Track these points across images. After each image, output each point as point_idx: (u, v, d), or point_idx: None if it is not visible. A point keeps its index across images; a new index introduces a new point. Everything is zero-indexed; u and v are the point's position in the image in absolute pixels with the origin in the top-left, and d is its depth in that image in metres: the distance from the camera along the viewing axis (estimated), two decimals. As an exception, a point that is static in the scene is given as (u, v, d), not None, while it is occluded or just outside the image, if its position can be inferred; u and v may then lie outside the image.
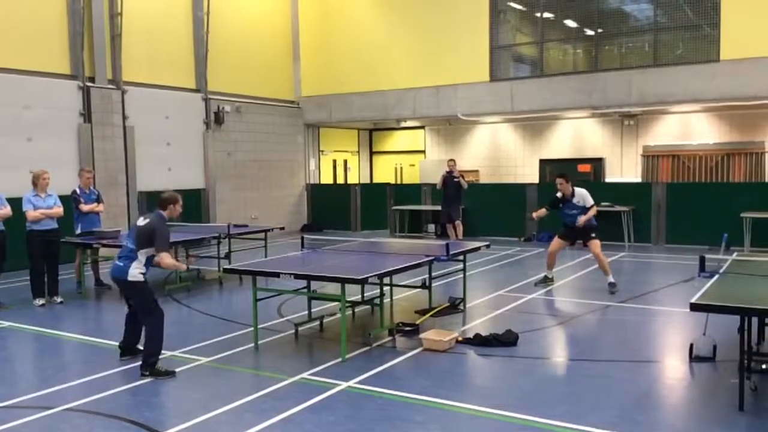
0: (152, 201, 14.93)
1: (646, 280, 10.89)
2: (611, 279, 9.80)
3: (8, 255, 9.14)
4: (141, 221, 6.36)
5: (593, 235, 9.94)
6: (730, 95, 14.95)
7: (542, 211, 10.38)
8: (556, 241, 10.35)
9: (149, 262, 6.28)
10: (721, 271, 6.29)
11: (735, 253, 7.83)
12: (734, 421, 4.96)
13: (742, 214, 13.18)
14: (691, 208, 14.44)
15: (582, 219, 9.82)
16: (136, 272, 6.18)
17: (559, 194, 10.05)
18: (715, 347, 6.38)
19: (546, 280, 10.36)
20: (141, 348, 6.40)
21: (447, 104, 18.20)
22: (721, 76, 14.74)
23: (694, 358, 6.38)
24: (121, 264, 6.25)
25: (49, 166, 10.25)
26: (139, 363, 6.20)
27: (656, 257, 13.42)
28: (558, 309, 9.02)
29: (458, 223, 14.71)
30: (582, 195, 9.92)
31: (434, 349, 6.79)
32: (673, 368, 6.36)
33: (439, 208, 15.56)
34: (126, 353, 6.63)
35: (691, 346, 6.48)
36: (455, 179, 14.71)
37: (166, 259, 6.19)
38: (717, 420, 5.02)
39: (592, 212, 9.89)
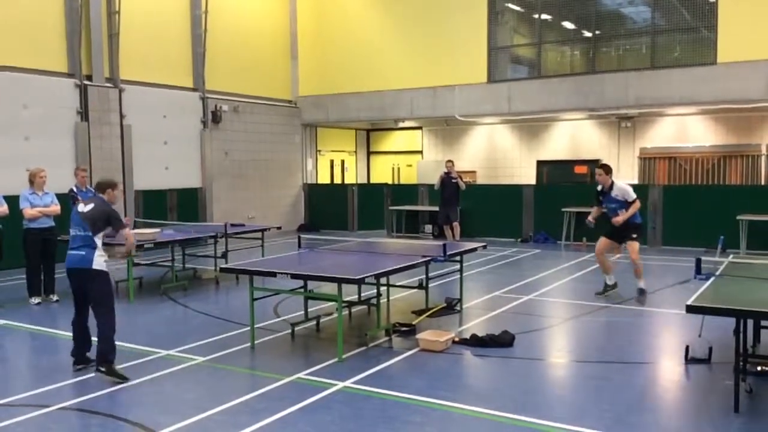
0: (149, 200, 15.14)
1: (642, 282, 10.89)
2: (642, 285, 9.29)
3: (4, 253, 9.12)
4: (85, 207, 6.18)
5: (634, 236, 9.17)
6: (726, 98, 14.98)
7: (596, 211, 9.55)
8: (601, 241, 9.45)
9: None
10: (717, 273, 6.30)
11: (731, 256, 7.84)
12: (729, 423, 4.97)
13: (739, 217, 13.21)
14: (688, 210, 14.47)
15: (620, 217, 9.06)
16: (101, 260, 6.06)
17: (599, 187, 9.36)
18: (710, 349, 6.39)
19: (607, 289, 9.46)
20: (93, 358, 6.16)
21: (444, 105, 18.21)
22: (718, 78, 14.77)
23: (689, 359, 6.40)
24: (83, 253, 6.03)
25: (46, 165, 10.18)
26: (124, 365, 6.06)
27: (652, 259, 13.43)
28: (554, 310, 9.02)
29: (456, 224, 14.72)
30: (622, 189, 9.14)
31: (431, 349, 6.80)
32: (668, 370, 6.37)
33: (436, 208, 15.57)
34: (80, 362, 6.31)
35: (687, 347, 6.49)
36: (453, 180, 14.72)
37: (129, 235, 6.36)
38: (712, 422, 5.04)
39: (633, 208, 9.04)
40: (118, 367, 6.12)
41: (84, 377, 6.09)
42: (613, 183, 9.20)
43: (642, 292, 9.29)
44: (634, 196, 9.13)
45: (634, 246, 9.18)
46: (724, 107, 16.17)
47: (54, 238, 9.45)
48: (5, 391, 5.77)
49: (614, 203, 9.20)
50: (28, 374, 6.55)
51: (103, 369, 5.95)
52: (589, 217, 9.61)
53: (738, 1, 14.69)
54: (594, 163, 18.94)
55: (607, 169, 9.29)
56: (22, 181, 9.73)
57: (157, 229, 10.82)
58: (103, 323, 6.07)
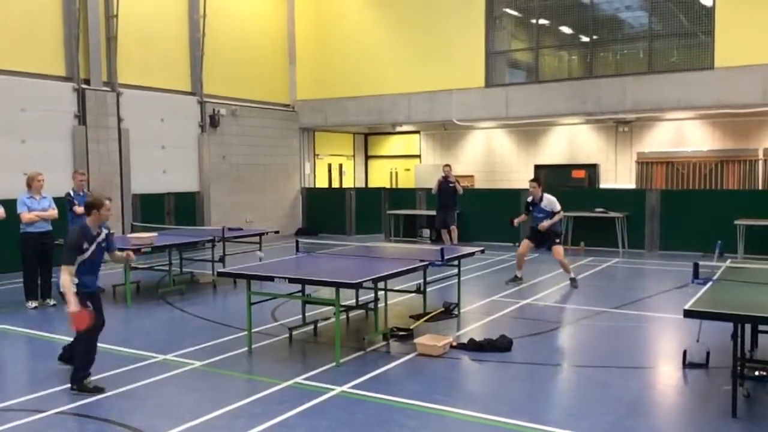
0: (146, 204, 15.12)
1: (639, 287, 10.92)
2: (572, 275, 10.54)
3: (1, 257, 9.10)
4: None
5: (557, 240, 10.58)
6: (724, 102, 15.01)
7: (523, 217, 11.10)
8: (524, 243, 10.92)
9: (86, 271, 5.85)
10: (714, 277, 6.30)
11: (728, 260, 7.84)
12: (727, 427, 4.97)
13: (736, 221, 13.22)
14: (685, 214, 14.47)
15: (546, 223, 10.39)
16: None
17: (530, 198, 10.69)
18: (708, 354, 6.39)
19: (516, 279, 10.85)
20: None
21: (442, 109, 18.23)
22: (715, 83, 14.81)
23: (687, 364, 6.40)
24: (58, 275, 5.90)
25: (43, 168, 10.20)
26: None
27: (650, 263, 13.45)
28: (552, 315, 9.01)
29: (453, 228, 14.72)
30: (550, 200, 10.49)
31: (428, 354, 6.79)
32: (666, 374, 6.37)
33: (434, 212, 15.57)
34: (66, 360, 6.30)
35: (685, 352, 6.49)
36: (450, 184, 14.73)
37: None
38: (710, 427, 5.03)
39: (556, 218, 10.47)
40: (115, 372, 6.11)
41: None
42: (543, 195, 10.52)
43: (573, 280, 10.51)
44: (559, 207, 10.50)
45: (558, 249, 10.56)
46: (721, 112, 16.22)
47: (51, 242, 9.43)
48: (2, 395, 5.73)
49: (542, 213, 10.53)
50: (24, 379, 6.52)
51: (75, 388, 5.77)
52: (515, 221, 11.11)
53: (735, 6, 14.74)
54: (592, 168, 19.10)
55: (540, 183, 10.66)
56: (20, 185, 9.71)
57: (155, 233, 10.81)
58: (75, 341, 5.96)
